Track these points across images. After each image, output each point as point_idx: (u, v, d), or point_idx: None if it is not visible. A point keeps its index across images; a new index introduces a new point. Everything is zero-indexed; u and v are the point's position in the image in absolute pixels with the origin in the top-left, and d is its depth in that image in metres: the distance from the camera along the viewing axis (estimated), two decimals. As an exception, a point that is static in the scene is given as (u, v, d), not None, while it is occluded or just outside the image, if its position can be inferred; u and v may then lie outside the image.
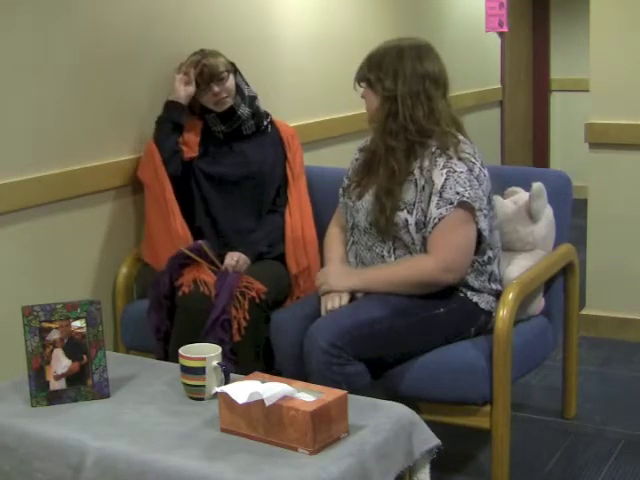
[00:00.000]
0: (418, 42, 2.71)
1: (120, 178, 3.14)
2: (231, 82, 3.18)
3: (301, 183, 3.28)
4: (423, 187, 2.60)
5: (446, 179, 2.56)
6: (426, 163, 2.61)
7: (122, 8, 3.11)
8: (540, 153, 7.41)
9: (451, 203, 2.56)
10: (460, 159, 2.59)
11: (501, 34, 6.26)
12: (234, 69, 3.23)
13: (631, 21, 3.90)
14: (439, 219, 2.56)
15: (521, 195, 2.91)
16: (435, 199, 2.57)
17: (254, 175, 3.18)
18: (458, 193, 2.56)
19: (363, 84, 2.72)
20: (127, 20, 3.14)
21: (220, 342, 2.68)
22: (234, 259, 2.98)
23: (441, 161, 2.59)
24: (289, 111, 3.96)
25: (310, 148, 4.00)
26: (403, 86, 2.62)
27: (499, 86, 6.44)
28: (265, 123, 3.26)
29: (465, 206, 2.57)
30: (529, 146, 7.35)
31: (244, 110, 3.18)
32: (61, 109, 2.92)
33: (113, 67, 3.10)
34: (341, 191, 2.90)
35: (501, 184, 2.84)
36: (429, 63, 2.66)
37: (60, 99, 2.91)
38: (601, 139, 3.99)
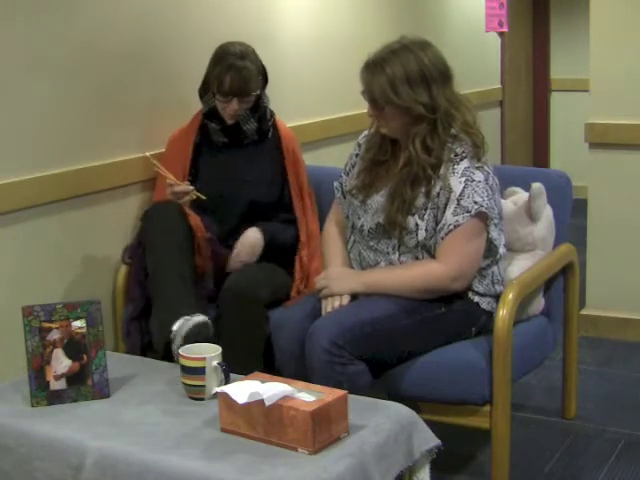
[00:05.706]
0: (418, 38, 2.64)
1: (121, 178, 3.13)
2: (252, 100, 3.04)
3: (306, 200, 3.16)
4: (438, 194, 2.57)
5: (464, 187, 2.54)
6: (442, 169, 2.58)
7: (121, 7, 3.10)
8: (540, 153, 7.41)
9: (468, 211, 2.54)
10: (477, 168, 2.58)
11: (501, 34, 6.26)
12: (264, 81, 3.11)
13: (631, 21, 3.90)
14: (455, 226, 2.54)
15: (521, 195, 2.91)
16: (452, 206, 2.54)
17: (248, 195, 3.08)
18: (476, 202, 2.54)
19: (390, 106, 2.58)
20: (126, 19, 3.13)
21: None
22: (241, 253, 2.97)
23: (459, 168, 2.56)
24: (289, 111, 3.95)
25: (310, 148, 3.99)
26: (437, 90, 2.56)
27: (499, 86, 6.44)
28: (268, 133, 3.15)
29: (481, 216, 2.56)
30: (529, 146, 7.34)
31: (251, 126, 3.08)
32: (61, 109, 2.91)
33: (113, 67, 3.09)
34: (337, 185, 2.88)
35: (501, 184, 2.83)
36: (440, 55, 2.62)
37: (60, 99, 2.91)
38: (601, 139, 3.99)
